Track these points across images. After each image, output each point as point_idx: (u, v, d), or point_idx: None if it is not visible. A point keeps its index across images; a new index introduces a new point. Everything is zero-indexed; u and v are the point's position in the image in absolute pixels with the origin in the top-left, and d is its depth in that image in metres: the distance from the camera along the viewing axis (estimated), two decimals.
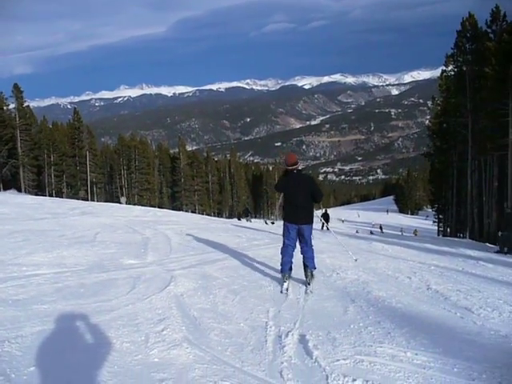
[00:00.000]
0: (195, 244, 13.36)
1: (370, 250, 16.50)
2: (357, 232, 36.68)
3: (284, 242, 8.67)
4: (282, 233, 8.74)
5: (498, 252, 21.38)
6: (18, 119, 63.02)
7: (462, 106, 36.83)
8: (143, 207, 41.07)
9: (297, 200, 8.42)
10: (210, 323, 6.08)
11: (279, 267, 8.69)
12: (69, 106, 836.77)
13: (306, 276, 8.61)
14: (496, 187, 33.84)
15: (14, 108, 64.16)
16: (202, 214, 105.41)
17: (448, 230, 48.62)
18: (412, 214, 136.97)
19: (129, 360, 4.82)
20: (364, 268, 11.21)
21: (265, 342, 5.57)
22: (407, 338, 5.89)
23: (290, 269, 8.71)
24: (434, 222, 59.11)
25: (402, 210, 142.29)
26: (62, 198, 72.46)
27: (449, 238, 38.93)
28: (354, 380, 4.63)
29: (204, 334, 5.70)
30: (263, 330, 5.98)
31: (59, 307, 6.10)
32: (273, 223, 25.22)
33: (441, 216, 54.26)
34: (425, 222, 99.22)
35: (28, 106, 73.63)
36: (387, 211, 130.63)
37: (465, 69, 37.37)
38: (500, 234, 22.90)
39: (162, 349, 5.05)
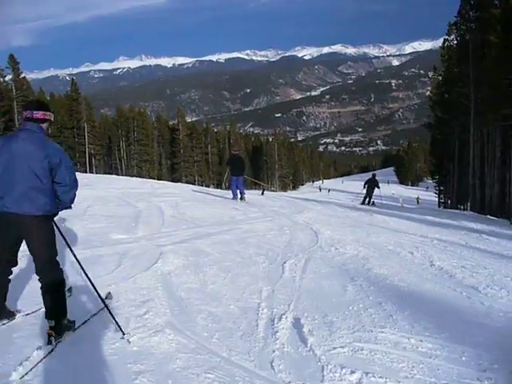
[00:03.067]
0: (189, 217, 12.83)
1: (371, 222, 16.05)
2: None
3: (231, 184, 19.57)
4: (277, 204, 14.89)
5: None
6: (14, 91, 62.12)
7: (464, 76, 36.13)
8: (141, 179, 40.49)
9: (236, 168, 19.45)
10: (198, 305, 5.64)
11: (274, 242, 9.53)
12: (67, 78, 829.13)
13: (242, 199, 18.93)
14: (499, 158, 33.29)
15: (11, 79, 63.18)
16: (202, 185, 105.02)
17: (449, 201, 48.22)
18: (412, 185, 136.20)
19: (105, 349, 4.32)
20: (364, 242, 10.81)
21: (256, 327, 5.13)
22: (410, 321, 5.49)
23: (236, 195, 19.22)
24: (435, 193, 58.65)
25: (403, 181, 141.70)
26: None
27: (450, 209, 38.41)
28: (352, 372, 4.21)
29: (190, 317, 5.26)
30: (255, 313, 5.52)
31: (34, 286, 5.12)
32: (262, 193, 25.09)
33: (442, 187, 53.82)
34: (425, 193, 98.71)
35: (25, 78, 72.60)
36: (388, 182, 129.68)
37: (468, 37, 36.59)
38: None
39: (143, 335, 4.63)
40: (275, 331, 4.99)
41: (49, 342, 4.31)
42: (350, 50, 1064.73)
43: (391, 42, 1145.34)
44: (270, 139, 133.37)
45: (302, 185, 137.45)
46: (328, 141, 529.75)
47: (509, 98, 29.05)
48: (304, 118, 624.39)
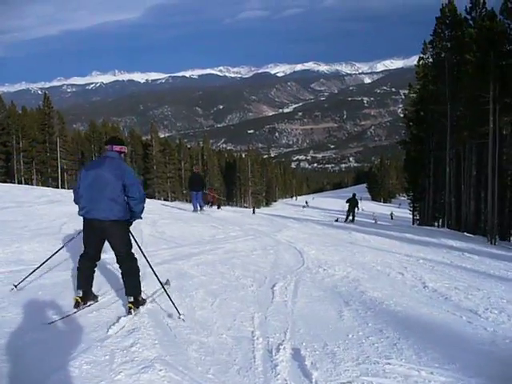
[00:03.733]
0: (168, 236, 12.41)
1: (352, 240, 16.01)
2: (336, 220, 35.80)
3: (192, 198, 22.05)
4: (255, 222, 14.77)
5: None
6: None
7: (440, 94, 36.27)
8: None
9: (196, 185, 21.93)
10: (188, 334, 5.20)
11: (260, 263, 9.57)
12: (39, 92, 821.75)
13: (201, 210, 21.42)
14: (474, 176, 33.45)
15: None
16: (175, 201, 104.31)
17: (424, 218, 48.31)
18: (385, 202, 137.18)
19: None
20: (351, 262, 10.57)
21: (253, 360, 4.69)
22: (416, 350, 5.13)
23: (196, 207, 21.36)
24: (410, 210, 58.80)
25: (375, 197, 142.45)
26: (32, 185, 71.09)
27: (426, 226, 38.38)
28: None
29: (181, 349, 4.80)
30: (249, 343, 5.09)
31: (9, 317, 5.23)
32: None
33: (416, 204, 53.95)
34: (398, 210, 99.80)
35: None
36: (360, 199, 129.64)
37: (443, 56, 36.84)
38: None
39: (131, 372, 4.15)
40: (275, 364, 4.56)
41: (129, 313, 5.70)
42: (323, 68, 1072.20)
43: (363, 60, 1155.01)
44: (244, 155, 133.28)
45: (275, 201, 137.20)
46: (300, 157, 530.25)
47: (484, 116, 29.25)
48: (277, 134, 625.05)
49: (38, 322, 5.19)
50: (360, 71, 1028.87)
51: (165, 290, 6.17)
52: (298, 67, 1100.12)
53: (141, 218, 6.41)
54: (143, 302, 6.12)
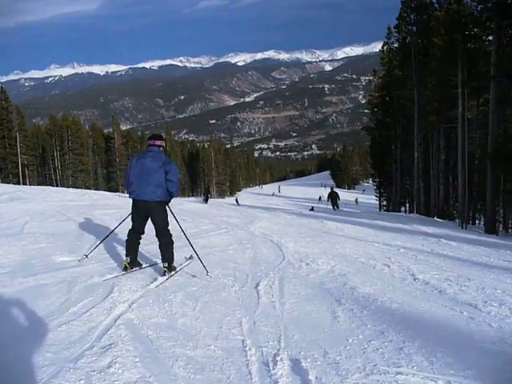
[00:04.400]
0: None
1: (326, 230, 15.71)
2: (312, 209, 35.70)
3: None
4: (225, 214, 13.50)
5: None
6: None
7: (407, 79, 36.03)
8: (78, 190, 38.56)
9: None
10: (171, 347, 4.55)
11: (238, 259, 9.25)
12: None
13: None
14: (443, 161, 33.27)
15: None
16: None
17: (391, 204, 48.23)
18: (349, 189, 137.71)
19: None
20: (333, 255, 10.11)
21: (249, 376, 4.06)
22: (425, 355, 4.62)
23: None
24: (376, 196, 58.71)
25: (339, 184, 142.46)
26: None
27: (395, 213, 38.27)
28: None
29: (166, 367, 4.14)
30: (242, 355, 4.47)
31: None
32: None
33: (382, 190, 53.87)
34: (363, 196, 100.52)
35: None
36: (324, 186, 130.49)
37: (409, 40, 36.52)
38: None
39: None
40: (275, 381, 3.95)
41: (164, 275, 7.30)
42: (283, 56, 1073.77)
43: (323, 48, 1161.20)
44: (206, 146, 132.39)
45: (239, 191, 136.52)
46: (263, 146, 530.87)
47: (453, 101, 29.04)
48: (238, 123, 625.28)
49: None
50: (320, 59, 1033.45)
51: (197, 255, 8.16)
52: (259, 56, 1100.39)
53: (176, 197, 8.04)
54: (174, 268, 7.76)
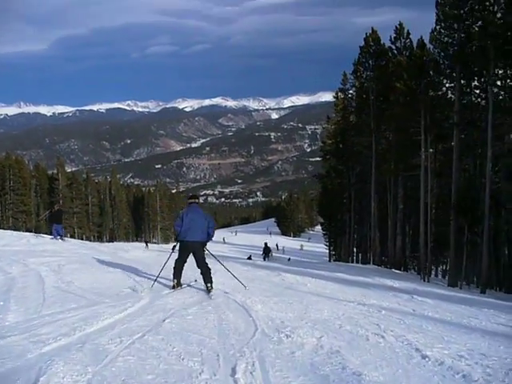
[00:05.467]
0: (78, 288, 10.17)
1: (287, 285, 14.40)
2: (249, 258, 34.76)
3: (53, 230, 27.61)
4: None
5: None
6: None
7: (364, 125, 35.26)
8: (16, 232, 35.97)
9: (57, 219, 28.46)
10: None
11: (202, 329, 7.57)
12: None
13: (62, 240, 25.79)
14: (401, 210, 32.31)
15: None
16: (82, 237, 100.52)
17: (342, 253, 47.29)
18: (295, 236, 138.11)
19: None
20: (312, 322, 8.47)
21: None
22: None
23: (56, 237, 25.97)
24: (326, 245, 57.78)
25: (285, 232, 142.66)
26: None
27: (349, 263, 37.07)
28: None
29: None
30: None
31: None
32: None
33: (332, 239, 53.02)
34: (309, 244, 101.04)
35: None
36: (270, 233, 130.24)
37: (367, 86, 35.83)
38: None
39: None
40: None
41: (209, 291, 10.70)
42: (231, 103, 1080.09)
43: (270, 96, 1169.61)
44: (152, 190, 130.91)
45: None
46: (208, 192, 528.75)
47: (414, 147, 28.25)
48: (184, 169, 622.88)
49: None
50: (267, 107, 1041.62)
51: (233, 275, 12.43)
52: (206, 102, 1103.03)
53: (211, 240, 11.33)
54: (212, 288, 10.82)
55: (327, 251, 60.29)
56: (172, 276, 11.08)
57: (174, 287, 10.91)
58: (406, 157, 29.68)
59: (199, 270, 10.94)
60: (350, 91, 40.26)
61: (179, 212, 11.86)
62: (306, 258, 70.15)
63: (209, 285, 10.88)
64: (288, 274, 17.52)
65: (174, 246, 11.21)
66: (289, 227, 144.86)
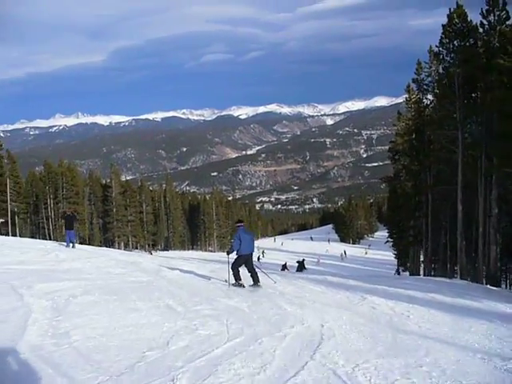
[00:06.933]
0: (67, 351, 6.58)
1: (387, 321, 10.76)
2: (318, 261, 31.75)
3: (66, 235, 26.45)
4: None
5: None
6: None
7: (447, 117, 30.55)
8: (53, 243, 32.03)
9: (69, 224, 26.44)
10: None
11: None
12: (2, 135, 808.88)
13: (73, 247, 25.32)
14: (496, 215, 27.66)
15: None
16: (136, 246, 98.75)
17: (414, 265, 43.14)
18: (353, 243, 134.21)
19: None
20: None
21: None
22: None
23: (69, 244, 25.23)
24: (394, 254, 53.74)
25: (344, 239, 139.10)
26: None
27: (433, 278, 32.61)
28: None
29: None
30: None
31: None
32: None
33: (400, 248, 48.92)
34: (369, 251, 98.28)
35: None
36: (329, 240, 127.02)
37: (451, 71, 30.98)
38: None
39: None
40: None
41: (259, 286, 14.26)
42: (285, 110, 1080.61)
43: (325, 102, 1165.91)
44: (207, 197, 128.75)
45: None
46: (264, 199, 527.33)
47: None
48: (240, 176, 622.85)
49: None
50: (322, 113, 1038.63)
51: (264, 273, 16.62)
52: (261, 109, 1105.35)
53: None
54: (259, 284, 14.45)
55: (389, 259, 56.74)
56: (234, 279, 14.39)
57: (242, 286, 14.23)
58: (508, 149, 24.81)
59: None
60: (426, 81, 36.42)
61: (234, 235, 14.67)
62: (369, 266, 66.79)
63: (259, 283, 14.43)
64: (373, 296, 14.18)
65: (228, 252, 15.13)
66: (348, 234, 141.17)
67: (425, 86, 36.89)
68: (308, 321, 9.80)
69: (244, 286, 14.16)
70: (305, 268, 44.28)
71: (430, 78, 36.16)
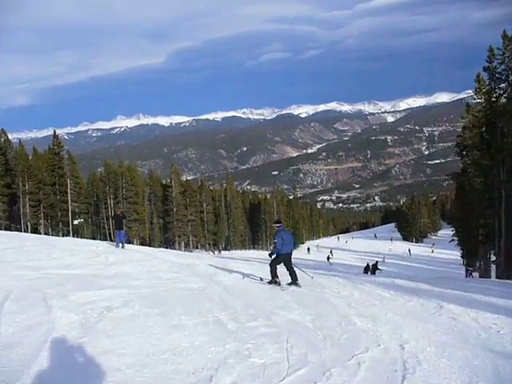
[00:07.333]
0: (96, 375, 5.74)
1: (476, 340, 9.00)
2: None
3: (116, 236, 28.33)
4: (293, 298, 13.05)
5: None
6: None
7: None
8: (106, 243, 30.65)
9: (118, 224, 26.91)
10: None
11: None
12: (66, 137, 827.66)
13: (123, 247, 25.43)
14: None
15: None
16: (196, 245, 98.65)
17: (485, 266, 41.06)
18: (417, 242, 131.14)
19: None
20: None
21: None
22: None
23: (119, 245, 25.40)
24: (461, 255, 51.70)
25: (406, 237, 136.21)
26: (39, 231, 66.25)
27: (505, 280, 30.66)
28: None
29: None
30: None
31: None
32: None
33: (468, 247, 46.78)
34: (434, 250, 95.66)
35: (3, 130, 67.63)
36: (391, 239, 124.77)
37: None
38: None
39: None
40: None
41: (298, 286, 14.60)
42: (346, 108, 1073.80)
43: (386, 99, 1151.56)
44: (268, 196, 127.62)
45: (303, 243, 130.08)
46: (325, 198, 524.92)
47: None
48: (301, 175, 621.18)
49: None
50: (383, 110, 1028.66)
51: (301, 270, 16.75)
52: (321, 108, 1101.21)
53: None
54: (299, 283, 14.73)
55: (454, 258, 55.00)
56: (271, 276, 14.86)
57: (278, 283, 14.57)
58: None
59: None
60: (498, 69, 34.47)
61: (275, 234, 14.86)
62: (433, 266, 64.82)
63: (298, 281, 14.74)
64: (450, 304, 12.47)
65: (270, 254, 15.12)
66: (410, 232, 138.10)
67: (497, 75, 34.92)
68: (384, 340, 8.40)
69: (280, 284, 14.69)
70: (379, 270, 42.14)
71: (503, 66, 34.26)
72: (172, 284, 13.47)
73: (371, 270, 42.36)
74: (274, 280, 14.67)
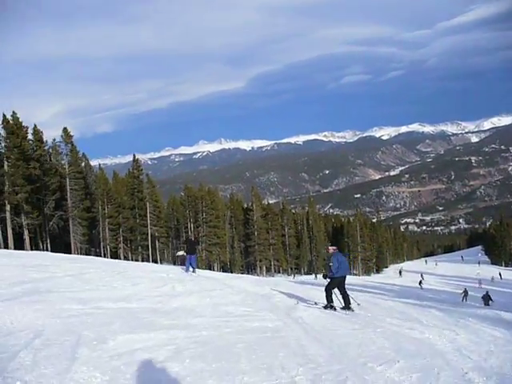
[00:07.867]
0: None
1: None
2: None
3: (186, 260, 26.57)
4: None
5: None
6: (67, 167, 56.83)
7: None
8: (174, 270, 29.14)
9: (190, 249, 26.64)
10: None
11: None
12: (149, 162, 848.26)
13: (194, 272, 25.92)
14: None
15: (65, 155, 58.01)
16: (278, 270, 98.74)
17: None
18: (506, 266, 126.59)
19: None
20: None
21: None
22: None
23: (189, 269, 25.80)
24: None
25: (495, 261, 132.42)
26: (119, 256, 67.86)
27: None
28: None
29: None
30: None
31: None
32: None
33: None
34: None
35: (84, 154, 69.92)
36: (479, 263, 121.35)
37: None
38: None
39: None
40: None
41: (351, 310, 15.07)
42: (428, 129, 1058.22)
43: (469, 119, 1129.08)
44: (351, 219, 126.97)
45: (386, 267, 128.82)
46: (408, 220, 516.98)
47: None
48: (384, 197, 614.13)
49: None
50: (466, 130, 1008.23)
51: (352, 298, 16.05)
52: (403, 129, 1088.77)
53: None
54: (351, 308, 15.10)
55: None
56: (326, 301, 15.25)
57: (334, 308, 15.09)
58: None
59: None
60: None
61: (331, 257, 15.30)
62: None
63: (349, 305, 15.04)
64: None
65: (325, 276, 15.94)
66: (499, 255, 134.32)
67: None
68: None
69: (336, 309, 15.02)
70: (492, 300, 39.58)
71: None
72: (242, 323, 11.26)
73: (484, 300, 40.01)
74: (330, 305, 15.11)
